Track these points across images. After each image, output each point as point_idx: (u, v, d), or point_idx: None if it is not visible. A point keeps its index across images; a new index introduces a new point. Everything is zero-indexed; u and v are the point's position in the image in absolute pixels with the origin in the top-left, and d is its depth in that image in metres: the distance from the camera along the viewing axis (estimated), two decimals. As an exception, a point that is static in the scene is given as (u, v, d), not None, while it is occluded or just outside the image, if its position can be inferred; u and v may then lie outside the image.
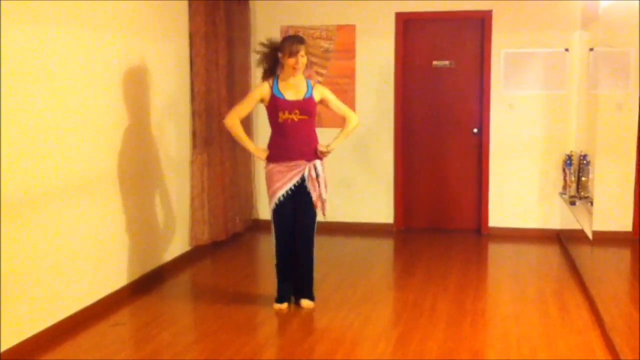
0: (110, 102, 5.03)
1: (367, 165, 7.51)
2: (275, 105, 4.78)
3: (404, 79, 7.48)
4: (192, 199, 6.35)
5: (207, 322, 4.82)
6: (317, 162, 4.87)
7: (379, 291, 5.54)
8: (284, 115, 4.77)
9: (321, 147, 4.87)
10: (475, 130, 7.43)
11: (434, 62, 7.47)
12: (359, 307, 5.04)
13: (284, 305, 5.02)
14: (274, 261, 5.10)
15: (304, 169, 4.82)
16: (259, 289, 5.77)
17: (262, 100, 4.87)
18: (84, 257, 4.75)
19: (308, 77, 4.90)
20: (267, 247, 7.28)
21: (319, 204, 4.90)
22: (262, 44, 4.94)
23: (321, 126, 5.32)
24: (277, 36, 7.52)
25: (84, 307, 4.75)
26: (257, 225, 7.72)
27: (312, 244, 5.00)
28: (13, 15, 3.99)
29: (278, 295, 5.05)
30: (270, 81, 4.84)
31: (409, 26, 7.44)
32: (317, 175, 4.86)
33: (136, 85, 5.39)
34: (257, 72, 7.54)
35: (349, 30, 7.45)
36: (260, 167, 7.68)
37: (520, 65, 7.19)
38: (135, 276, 5.42)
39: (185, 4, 6.17)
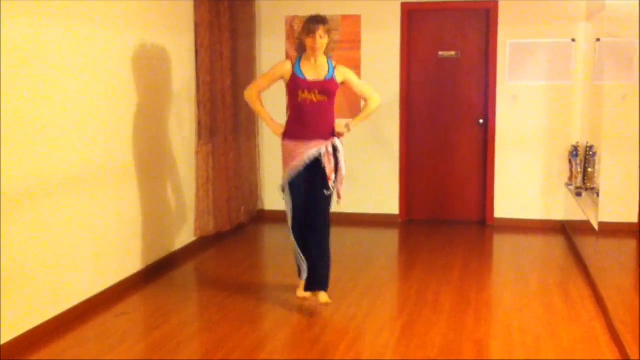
0: (115, 93, 5.03)
1: (372, 156, 7.50)
2: (295, 84, 4.72)
3: (409, 70, 7.46)
4: (197, 190, 6.35)
5: (211, 312, 4.83)
6: (336, 139, 4.78)
7: (382, 282, 5.53)
8: (302, 95, 4.71)
9: (339, 128, 4.81)
10: (480, 121, 7.41)
11: (440, 53, 7.44)
12: (363, 298, 5.04)
13: (308, 294, 4.92)
14: (291, 246, 4.92)
15: (321, 146, 4.73)
16: (262, 280, 5.78)
17: (282, 78, 4.81)
18: (88, 248, 4.76)
19: (330, 58, 4.83)
20: (272, 238, 7.32)
21: (332, 178, 4.73)
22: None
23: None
24: (281, 25, 7.56)
25: (89, 298, 4.77)
26: (262, 216, 7.72)
27: (327, 229, 4.85)
28: (15, 7, 3.98)
29: (305, 282, 4.89)
30: (293, 59, 4.81)
31: (414, 17, 7.41)
32: (336, 150, 4.76)
33: (140, 76, 5.38)
34: (262, 63, 7.59)
35: (354, 20, 7.42)
36: (266, 159, 7.70)
37: (525, 56, 7.16)
38: (140, 267, 5.43)
39: (190, -6, 6.17)
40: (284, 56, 7.53)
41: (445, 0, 7.26)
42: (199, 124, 6.33)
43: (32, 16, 4.13)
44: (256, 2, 7.47)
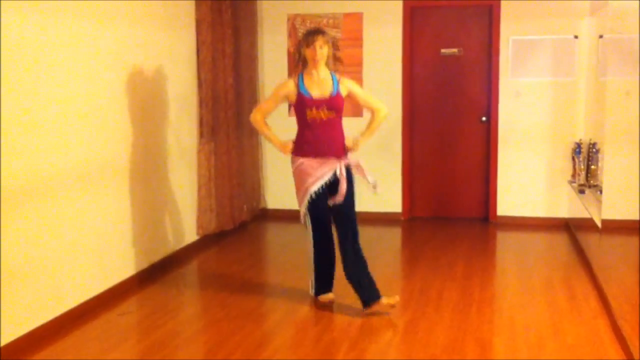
0: (116, 91, 5.02)
1: (375, 154, 7.47)
2: (301, 103, 4.59)
3: (411, 67, 7.44)
4: (199, 188, 6.34)
5: (214, 310, 4.83)
6: (350, 159, 4.67)
7: (385, 280, 5.49)
8: (311, 114, 4.58)
9: (348, 143, 4.69)
10: (483, 118, 7.39)
11: (442, 50, 7.43)
12: (366, 295, 5.03)
13: (330, 295, 4.88)
14: (309, 259, 4.88)
15: (336, 167, 4.60)
16: (265, 278, 5.77)
17: (287, 98, 4.69)
18: (90, 247, 4.76)
19: (332, 71, 4.70)
20: (274, 236, 7.32)
21: (340, 200, 4.61)
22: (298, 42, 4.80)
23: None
24: (283, 23, 7.54)
25: (92, 297, 4.76)
26: (265, 214, 7.72)
27: (357, 238, 4.74)
28: (14, 6, 3.97)
29: (317, 287, 4.89)
30: (295, 78, 4.66)
31: (416, 14, 7.40)
32: (350, 174, 4.65)
33: (142, 74, 5.37)
34: (264, 61, 7.59)
35: (356, 18, 7.41)
36: (268, 156, 7.69)
37: (528, 52, 7.14)
38: (143, 266, 5.43)
39: (191, -9, 6.16)
40: (285, 54, 7.53)
41: (448, -3, 7.25)
42: (201, 122, 6.32)
43: (31, 15, 4.12)
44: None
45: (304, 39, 4.60)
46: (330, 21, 7.39)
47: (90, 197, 4.74)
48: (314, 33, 4.60)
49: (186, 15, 6.10)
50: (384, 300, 4.67)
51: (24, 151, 4.08)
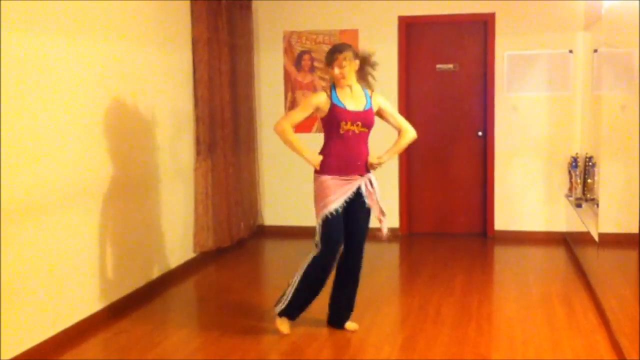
0: (113, 108, 5.03)
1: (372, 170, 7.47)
2: (335, 115, 4.40)
3: (407, 83, 7.47)
4: (196, 206, 6.34)
5: (212, 328, 4.80)
6: (372, 176, 4.56)
7: (383, 295, 5.51)
8: (346, 126, 4.39)
9: (372, 160, 4.53)
10: (479, 133, 7.41)
11: (438, 66, 7.46)
12: (364, 312, 5.00)
13: (285, 326, 4.64)
14: (297, 273, 4.59)
15: (359, 183, 4.49)
16: (263, 295, 5.75)
17: (318, 109, 4.46)
18: (87, 265, 4.74)
19: (365, 87, 4.55)
20: (272, 253, 7.30)
21: (382, 219, 4.60)
22: None
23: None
24: (279, 40, 7.57)
25: (88, 316, 4.74)
26: (262, 231, 7.71)
27: (361, 263, 4.70)
28: (12, 21, 3.98)
29: (293, 310, 4.63)
30: (328, 90, 4.47)
31: (411, 30, 7.43)
32: (373, 186, 4.56)
33: (139, 92, 5.39)
34: (260, 78, 7.60)
35: (352, 34, 7.44)
36: (265, 173, 7.69)
37: (524, 67, 7.17)
38: (140, 284, 5.41)
39: (187, 10, 6.17)
40: (282, 71, 7.55)
41: (443, 13, 7.27)
42: (198, 140, 6.33)
43: (30, 32, 4.14)
44: (254, 17, 7.49)
45: (325, 60, 4.47)
46: (326, 38, 7.42)
47: (88, 215, 4.74)
48: (333, 52, 4.42)
49: (183, 33, 6.13)
50: (348, 325, 4.69)
51: (19, 170, 4.07)
